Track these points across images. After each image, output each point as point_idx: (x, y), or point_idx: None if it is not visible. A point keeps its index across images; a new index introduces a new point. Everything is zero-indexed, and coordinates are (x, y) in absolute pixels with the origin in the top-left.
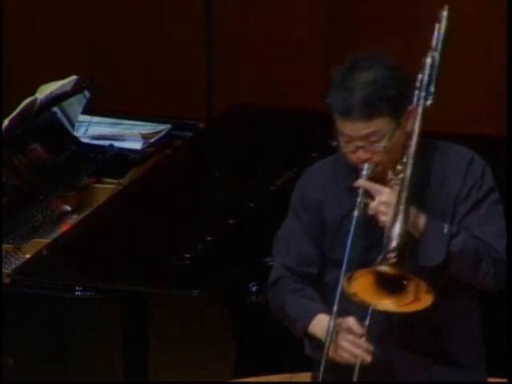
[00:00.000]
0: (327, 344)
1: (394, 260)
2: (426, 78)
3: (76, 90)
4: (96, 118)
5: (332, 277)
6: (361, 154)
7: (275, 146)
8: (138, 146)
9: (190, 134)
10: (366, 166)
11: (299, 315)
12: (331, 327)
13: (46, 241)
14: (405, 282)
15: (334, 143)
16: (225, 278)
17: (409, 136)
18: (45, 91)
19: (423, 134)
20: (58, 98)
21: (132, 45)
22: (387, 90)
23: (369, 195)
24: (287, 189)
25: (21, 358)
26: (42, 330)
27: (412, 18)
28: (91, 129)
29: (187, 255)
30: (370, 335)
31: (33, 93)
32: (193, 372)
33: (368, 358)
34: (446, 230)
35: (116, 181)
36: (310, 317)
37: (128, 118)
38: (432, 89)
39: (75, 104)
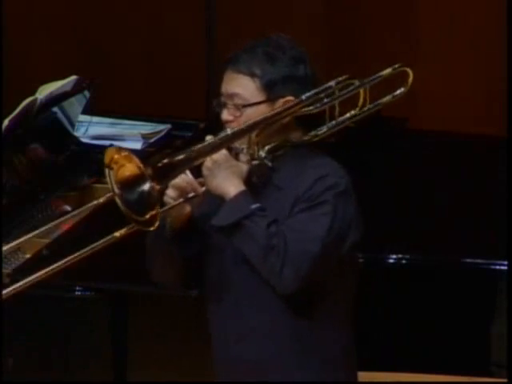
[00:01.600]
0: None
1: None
2: (327, 85)
3: (76, 89)
4: (96, 118)
5: None
6: (225, 114)
7: None
8: (138, 146)
9: (189, 134)
10: (228, 130)
11: None
12: None
13: (46, 241)
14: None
15: (214, 100)
16: None
17: (282, 127)
18: (45, 91)
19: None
20: (58, 98)
21: (132, 45)
22: (273, 66)
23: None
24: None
25: (21, 358)
26: (42, 330)
27: (411, 18)
28: (91, 129)
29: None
30: (228, 338)
31: (33, 93)
32: (193, 372)
33: (188, 208)
34: (253, 207)
35: None
36: None
37: (128, 118)
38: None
39: (75, 104)
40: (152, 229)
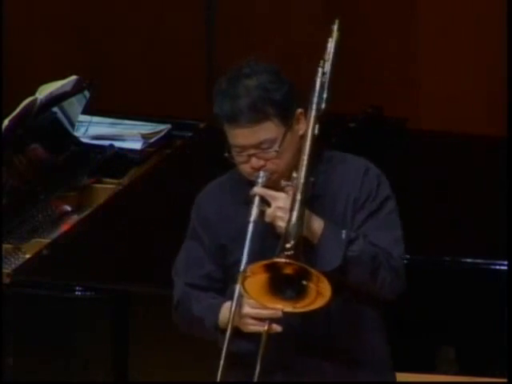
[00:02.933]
0: (231, 315)
1: (291, 253)
2: (317, 84)
3: (76, 89)
4: (96, 118)
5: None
6: (254, 162)
7: None
8: (137, 146)
9: (190, 134)
10: (261, 173)
11: (207, 313)
12: (236, 295)
13: (46, 241)
14: (300, 282)
15: (226, 155)
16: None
17: (302, 141)
18: (45, 91)
19: (324, 143)
20: (58, 98)
21: (132, 45)
22: (272, 94)
23: (265, 202)
24: None
25: (21, 358)
26: (42, 330)
27: (411, 18)
28: (91, 129)
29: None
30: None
31: (33, 93)
32: (193, 372)
33: (278, 328)
34: (343, 235)
35: (116, 181)
36: (217, 310)
37: (128, 117)
38: (324, 94)
39: (75, 104)
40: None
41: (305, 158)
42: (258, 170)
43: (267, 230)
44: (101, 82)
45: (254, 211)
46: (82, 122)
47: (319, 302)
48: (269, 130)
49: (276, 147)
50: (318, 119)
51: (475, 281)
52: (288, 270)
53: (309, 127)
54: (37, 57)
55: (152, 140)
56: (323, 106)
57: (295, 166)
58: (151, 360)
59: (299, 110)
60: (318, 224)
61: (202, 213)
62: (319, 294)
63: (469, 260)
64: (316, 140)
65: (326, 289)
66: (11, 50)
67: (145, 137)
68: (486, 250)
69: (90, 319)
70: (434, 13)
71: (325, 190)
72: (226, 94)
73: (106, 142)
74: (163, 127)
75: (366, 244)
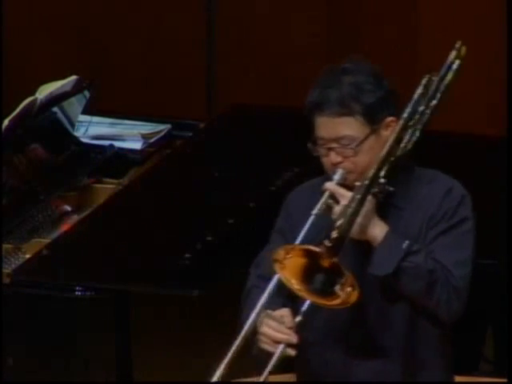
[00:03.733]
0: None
1: (330, 245)
2: (415, 97)
3: (76, 89)
4: (96, 118)
5: None
6: (333, 157)
7: (275, 145)
8: (137, 146)
9: (189, 134)
10: (339, 170)
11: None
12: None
13: (46, 241)
14: (333, 278)
15: (309, 145)
16: (225, 277)
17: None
18: (45, 91)
19: (414, 157)
20: (58, 98)
21: (132, 45)
22: (363, 94)
23: (335, 200)
24: (287, 189)
25: (21, 358)
26: (42, 330)
27: (411, 17)
28: (91, 129)
29: (187, 255)
30: (332, 335)
31: (33, 93)
32: (193, 372)
33: (291, 352)
34: (404, 246)
35: (116, 181)
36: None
37: (128, 118)
38: (422, 108)
39: (75, 104)
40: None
41: (378, 160)
42: (335, 165)
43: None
44: (101, 81)
45: (320, 205)
46: (81, 121)
47: (337, 303)
48: (350, 127)
49: (354, 145)
50: (414, 133)
51: (475, 281)
52: (323, 263)
53: (392, 134)
54: (37, 57)
55: (152, 140)
56: (416, 119)
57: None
58: (151, 360)
59: (391, 118)
60: (380, 229)
61: (290, 210)
62: (345, 295)
63: None
64: (409, 155)
65: (352, 294)
66: (11, 50)
67: (145, 137)
68: (486, 250)
69: (90, 319)
70: (435, 12)
71: (406, 203)
72: (320, 84)
73: (106, 142)
74: (163, 127)
75: (427, 258)
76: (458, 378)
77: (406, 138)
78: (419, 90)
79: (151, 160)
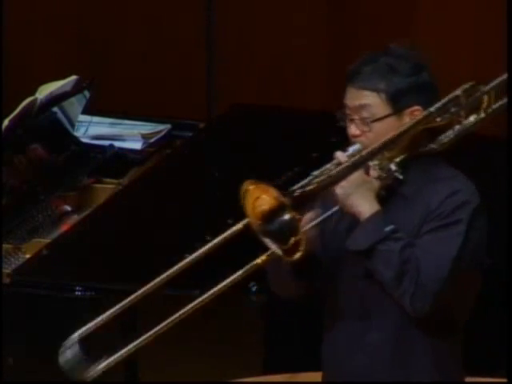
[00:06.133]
0: None
1: (297, 195)
2: (447, 97)
3: (76, 89)
4: (96, 118)
5: None
6: (352, 129)
7: (275, 145)
8: (138, 146)
9: (190, 134)
10: (355, 144)
11: None
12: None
13: (46, 241)
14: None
15: (338, 112)
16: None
17: (411, 140)
18: (45, 91)
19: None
20: (57, 98)
21: (132, 45)
22: (395, 75)
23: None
24: (287, 189)
25: (21, 358)
26: (42, 330)
27: (412, 18)
28: (91, 129)
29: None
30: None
31: (33, 93)
32: (192, 372)
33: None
34: (387, 229)
35: (116, 181)
36: None
37: (128, 118)
38: (455, 109)
39: (75, 104)
40: (296, 257)
41: (385, 139)
42: (354, 138)
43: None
44: (101, 81)
45: (323, 168)
46: (81, 121)
47: (279, 252)
48: (372, 100)
49: (370, 119)
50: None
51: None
52: (286, 213)
53: (409, 121)
54: (37, 57)
55: (152, 140)
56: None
57: (391, 157)
58: (151, 360)
59: (417, 107)
60: (370, 207)
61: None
62: (291, 250)
63: None
64: (432, 153)
65: (296, 253)
66: (11, 50)
67: (145, 137)
68: (486, 250)
69: (90, 319)
70: (435, 14)
71: (411, 195)
72: (361, 59)
73: (106, 142)
74: (163, 127)
75: (406, 249)
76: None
77: (439, 138)
78: (458, 92)
79: (151, 160)
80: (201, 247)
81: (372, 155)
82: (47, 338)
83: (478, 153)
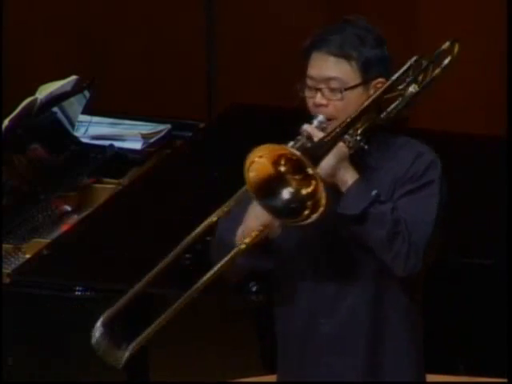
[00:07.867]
0: None
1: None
2: (404, 67)
3: (76, 89)
4: (96, 118)
5: None
6: (318, 98)
7: None
8: (138, 146)
9: (189, 134)
10: (320, 116)
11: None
12: None
13: (46, 241)
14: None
15: (298, 85)
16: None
17: (373, 110)
18: (45, 91)
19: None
20: (58, 98)
21: (132, 45)
22: (365, 47)
23: (311, 141)
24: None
25: (21, 357)
26: (42, 330)
27: (414, 17)
28: (91, 129)
29: (187, 255)
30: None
31: (33, 93)
32: (192, 372)
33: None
34: (373, 193)
35: (116, 181)
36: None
37: (128, 117)
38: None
39: (75, 104)
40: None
41: (357, 111)
42: (318, 108)
43: None
44: (101, 81)
45: (297, 144)
46: (81, 121)
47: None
48: (343, 70)
49: (343, 88)
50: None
51: (475, 281)
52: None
53: (374, 93)
54: (37, 57)
55: (152, 140)
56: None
57: (355, 128)
58: (151, 360)
59: (381, 79)
60: (351, 175)
61: None
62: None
63: (468, 260)
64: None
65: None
66: (11, 49)
67: (145, 137)
68: (486, 250)
69: (90, 319)
70: (435, 13)
71: (379, 165)
72: (326, 28)
73: (106, 142)
74: (163, 127)
75: (394, 210)
76: (459, 378)
77: (391, 106)
78: (411, 62)
79: (151, 160)
80: (201, 247)
81: (352, 124)
82: (47, 338)
83: (478, 153)
